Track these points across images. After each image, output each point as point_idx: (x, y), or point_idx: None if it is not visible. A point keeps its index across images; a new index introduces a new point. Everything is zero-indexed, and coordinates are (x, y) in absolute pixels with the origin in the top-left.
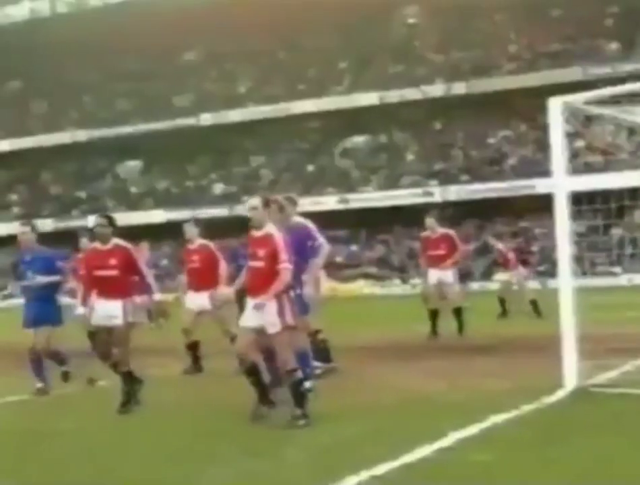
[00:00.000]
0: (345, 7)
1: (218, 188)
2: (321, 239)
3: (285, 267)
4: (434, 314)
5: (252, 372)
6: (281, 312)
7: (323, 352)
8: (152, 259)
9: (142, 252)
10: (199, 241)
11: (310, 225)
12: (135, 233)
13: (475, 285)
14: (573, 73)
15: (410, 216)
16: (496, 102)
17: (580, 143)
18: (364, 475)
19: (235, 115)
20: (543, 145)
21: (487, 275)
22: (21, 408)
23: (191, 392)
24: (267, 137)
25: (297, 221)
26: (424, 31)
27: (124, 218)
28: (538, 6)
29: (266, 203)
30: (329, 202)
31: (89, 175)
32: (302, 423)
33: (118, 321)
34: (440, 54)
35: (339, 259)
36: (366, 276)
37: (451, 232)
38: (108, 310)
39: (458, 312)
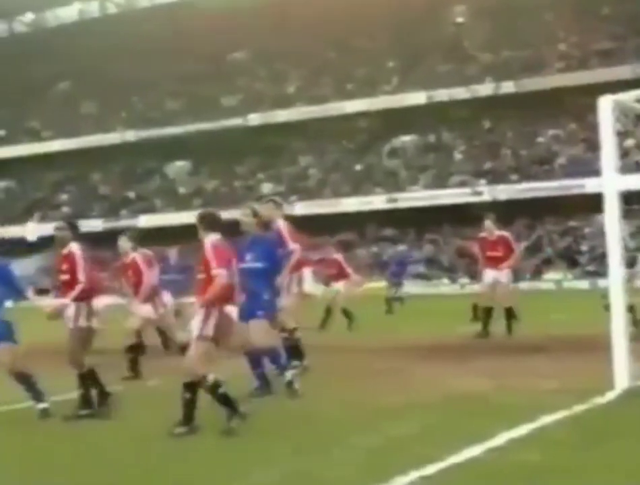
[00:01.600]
0: (394, 7)
1: (266, 188)
2: (292, 246)
3: (216, 273)
4: (488, 314)
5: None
6: (204, 321)
7: (297, 350)
8: (181, 263)
9: (149, 258)
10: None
11: (284, 230)
12: (182, 233)
13: (524, 285)
14: (623, 71)
15: (459, 215)
16: (545, 100)
17: (630, 142)
18: (413, 475)
19: (283, 115)
20: (593, 144)
21: (536, 274)
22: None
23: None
24: (315, 137)
25: (276, 226)
26: (473, 30)
27: (173, 218)
28: (588, 4)
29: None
30: (377, 202)
31: (138, 175)
32: (236, 422)
33: (70, 325)
34: (489, 53)
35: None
36: (415, 276)
37: (507, 234)
38: (66, 314)
39: (509, 312)
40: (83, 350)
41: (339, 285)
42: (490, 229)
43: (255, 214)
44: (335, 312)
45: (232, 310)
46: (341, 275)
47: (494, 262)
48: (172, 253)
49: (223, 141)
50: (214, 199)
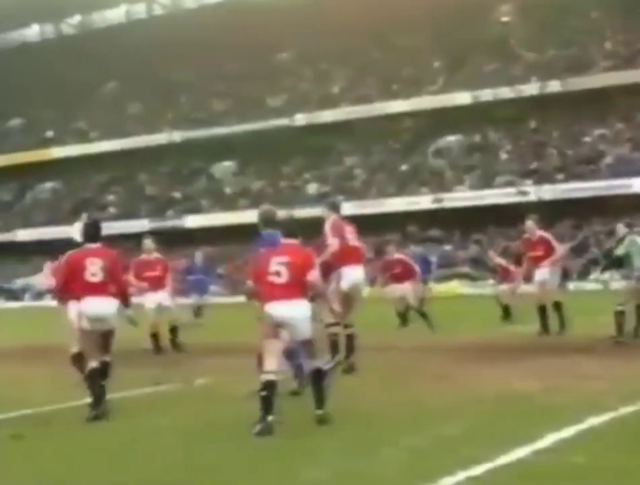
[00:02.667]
0: (439, 6)
1: (312, 188)
2: (329, 240)
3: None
4: (542, 311)
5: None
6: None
7: (333, 345)
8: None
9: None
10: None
11: (327, 227)
12: (229, 233)
13: (571, 286)
14: None
15: (505, 216)
16: (591, 99)
17: None
18: (461, 475)
19: (328, 115)
20: (639, 144)
21: (584, 275)
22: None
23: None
24: (360, 137)
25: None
26: (518, 29)
27: (219, 218)
28: (634, 2)
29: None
30: (423, 202)
31: (184, 175)
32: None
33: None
34: (535, 52)
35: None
36: (461, 276)
37: (548, 234)
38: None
39: (557, 306)
40: (84, 350)
41: (406, 286)
42: (532, 229)
43: None
44: (416, 312)
45: None
46: (406, 274)
47: (536, 261)
48: (198, 255)
49: (268, 141)
50: (260, 199)
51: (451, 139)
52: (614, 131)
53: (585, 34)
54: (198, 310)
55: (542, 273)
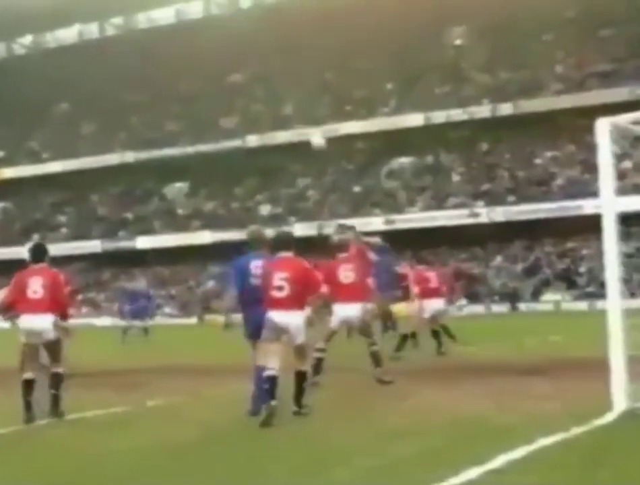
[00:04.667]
0: (393, 29)
1: (265, 209)
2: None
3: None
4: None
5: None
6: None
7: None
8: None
9: None
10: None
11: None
12: (181, 254)
13: (523, 306)
14: (621, 93)
15: (457, 237)
16: (543, 122)
17: (628, 164)
18: None
19: (281, 136)
20: (590, 166)
21: (535, 296)
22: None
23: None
24: (313, 158)
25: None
26: (471, 52)
27: (172, 240)
28: (586, 26)
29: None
30: (375, 223)
31: (137, 196)
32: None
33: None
34: (487, 74)
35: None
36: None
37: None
38: None
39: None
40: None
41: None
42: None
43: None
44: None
45: None
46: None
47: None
48: (141, 281)
49: (221, 162)
50: (213, 220)
51: (404, 160)
52: (565, 153)
53: (537, 57)
54: (145, 332)
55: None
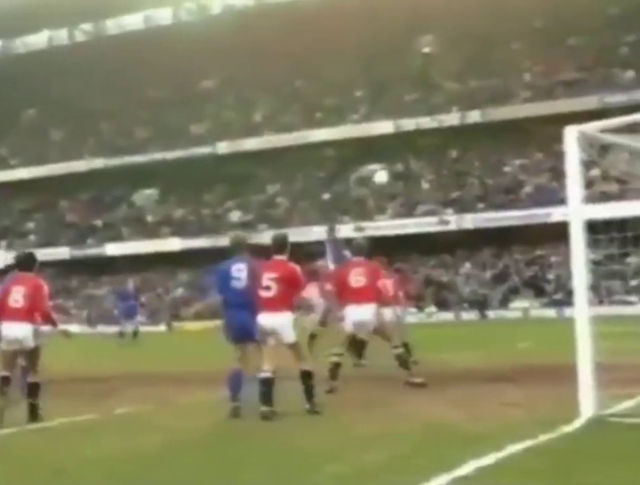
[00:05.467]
0: (362, 36)
1: (235, 216)
2: None
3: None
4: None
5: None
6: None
7: None
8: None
9: None
10: None
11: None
12: (150, 261)
13: (492, 314)
14: (589, 102)
15: (426, 244)
16: (512, 130)
17: (596, 172)
18: None
19: (251, 143)
20: (559, 174)
21: (504, 303)
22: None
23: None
24: (283, 165)
25: None
26: (440, 60)
27: (141, 247)
28: (554, 35)
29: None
30: (345, 230)
31: (106, 203)
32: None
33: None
34: (456, 82)
35: None
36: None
37: None
38: None
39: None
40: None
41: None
42: None
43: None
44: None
45: None
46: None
47: None
48: (130, 282)
49: (191, 169)
50: (182, 227)
51: (374, 168)
52: (534, 161)
53: (506, 65)
54: (134, 335)
55: None
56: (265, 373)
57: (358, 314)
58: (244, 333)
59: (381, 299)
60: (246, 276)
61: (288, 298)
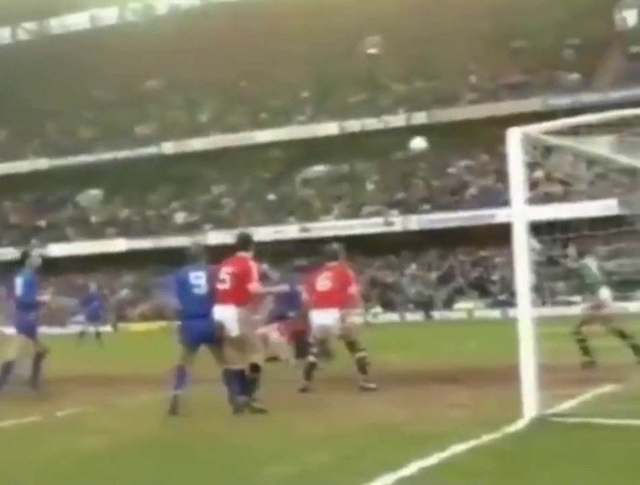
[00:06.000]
0: (308, 38)
1: (180, 217)
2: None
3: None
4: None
5: None
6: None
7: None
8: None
9: None
10: None
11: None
12: (95, 262)
13: (437, 315)
14: (533, 104)
15: (372, 245)
16: (457, 131)
17: (539, 173)
18: None
19: (197, 144)
20: (503, 175)
21: (449, 304)
22: None
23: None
24: (228, 166)
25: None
26: (386, 62)
27: (85, 247)
28: (499, 37)
29: None
30: (290, 231)
31: (50, 204)
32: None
33: None
34: (402, 84)
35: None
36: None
37: None
38: None
39: None
40: None
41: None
42: None
43: None
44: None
45: None
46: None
47: None
48: (92, 284)
49: (136, 169)
50: (127, 227)
51: (319, 168)
52: (479, 162)
53: (451, 67)
54: (97, 336)
55: None
56: (236, 366)
57: (321, 318)
58: (202, 339)
59: (349, 304)
60: (205, 283)
61: (240, 293)
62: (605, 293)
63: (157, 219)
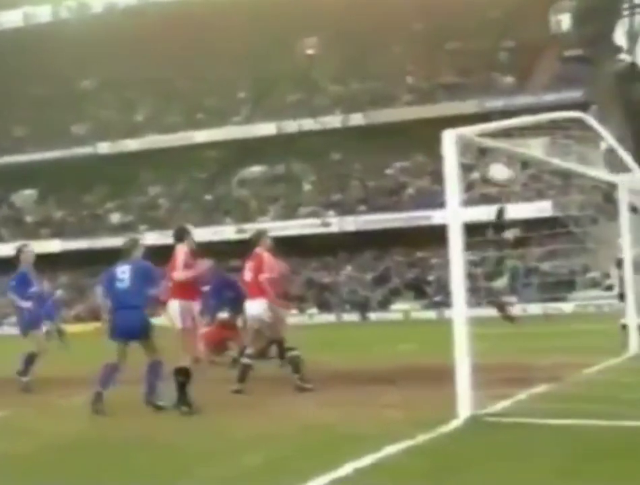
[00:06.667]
0: (245, 37)
1: (115, 217)
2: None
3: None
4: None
5: None
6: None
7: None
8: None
9: None
10: None
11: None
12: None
13: (372, 315)
14: (469, 106)
15: (308, 246)
16: (393, 133)
17: (475, 175)
18: None
19: (133, 144)
20: (440, 177)
21: (384, 304)
22: None
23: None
24: (164, 167)
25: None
26: (323, 62)
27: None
28: (435, 39)
29: None
30: (227, 231)
31: None
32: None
33: None
34: (339, 85)
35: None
36: None
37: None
38: None
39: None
40: None
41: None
42: None
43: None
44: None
45: None
46: None
47: None
48: (45, 283)
49: (71, 169)
50: (62, 228)
51: (255, 169)
52: (416, 164)
53: (388, 68)
54: (59, 334)
55: None
56: (183, 362)
57: (251, 308)
58: (127, 333)
59: (262, 293)
60: (129, 277)
61: (180, 286)
62: None
63: (92, 219)
